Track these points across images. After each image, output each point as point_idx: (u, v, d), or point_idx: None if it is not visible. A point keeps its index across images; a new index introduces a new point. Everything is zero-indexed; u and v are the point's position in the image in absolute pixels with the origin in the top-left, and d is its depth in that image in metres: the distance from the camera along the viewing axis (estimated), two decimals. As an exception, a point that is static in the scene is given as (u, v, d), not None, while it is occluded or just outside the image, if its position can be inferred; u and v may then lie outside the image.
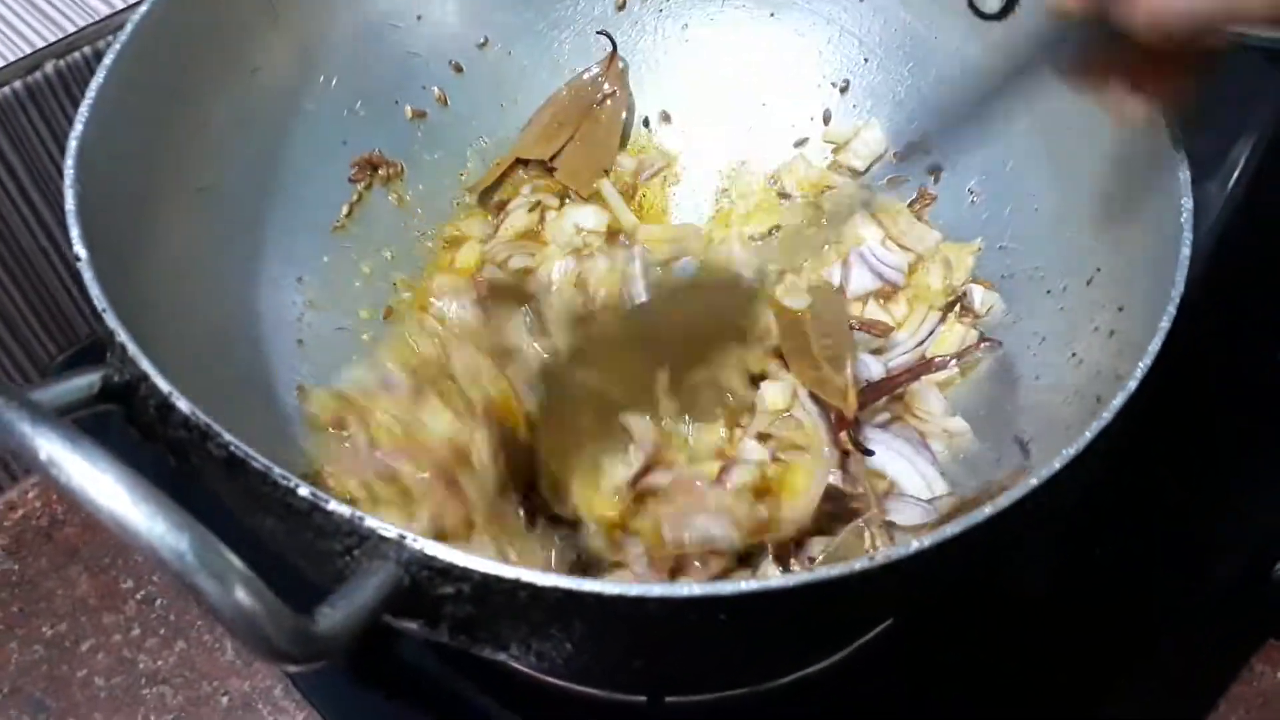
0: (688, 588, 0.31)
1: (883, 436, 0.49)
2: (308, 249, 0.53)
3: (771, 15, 0.59)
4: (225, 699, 0.52)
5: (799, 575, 0.31)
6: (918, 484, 0.48)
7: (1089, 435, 0.35)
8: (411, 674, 0.50)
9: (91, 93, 0.42)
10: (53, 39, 0.54)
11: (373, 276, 0.55)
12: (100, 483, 0.27)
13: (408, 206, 0.57)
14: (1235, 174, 0.64)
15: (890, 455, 0.48)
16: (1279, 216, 0.63)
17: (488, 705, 0.49)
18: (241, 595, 0.27)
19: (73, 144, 0.41)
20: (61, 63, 0.54)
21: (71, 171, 0.40)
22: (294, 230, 0.52)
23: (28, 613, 0.55)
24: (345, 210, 0.55)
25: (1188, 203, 0.40)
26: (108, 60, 0.43)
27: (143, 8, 0.45)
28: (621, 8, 0.59)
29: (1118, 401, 0.36)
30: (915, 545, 0.32)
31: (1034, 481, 0.34)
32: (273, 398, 0.48)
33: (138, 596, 0.56)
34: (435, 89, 0.58)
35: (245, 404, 0.46)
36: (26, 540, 0.58)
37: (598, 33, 0.57)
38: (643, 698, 0.48)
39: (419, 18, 0.56)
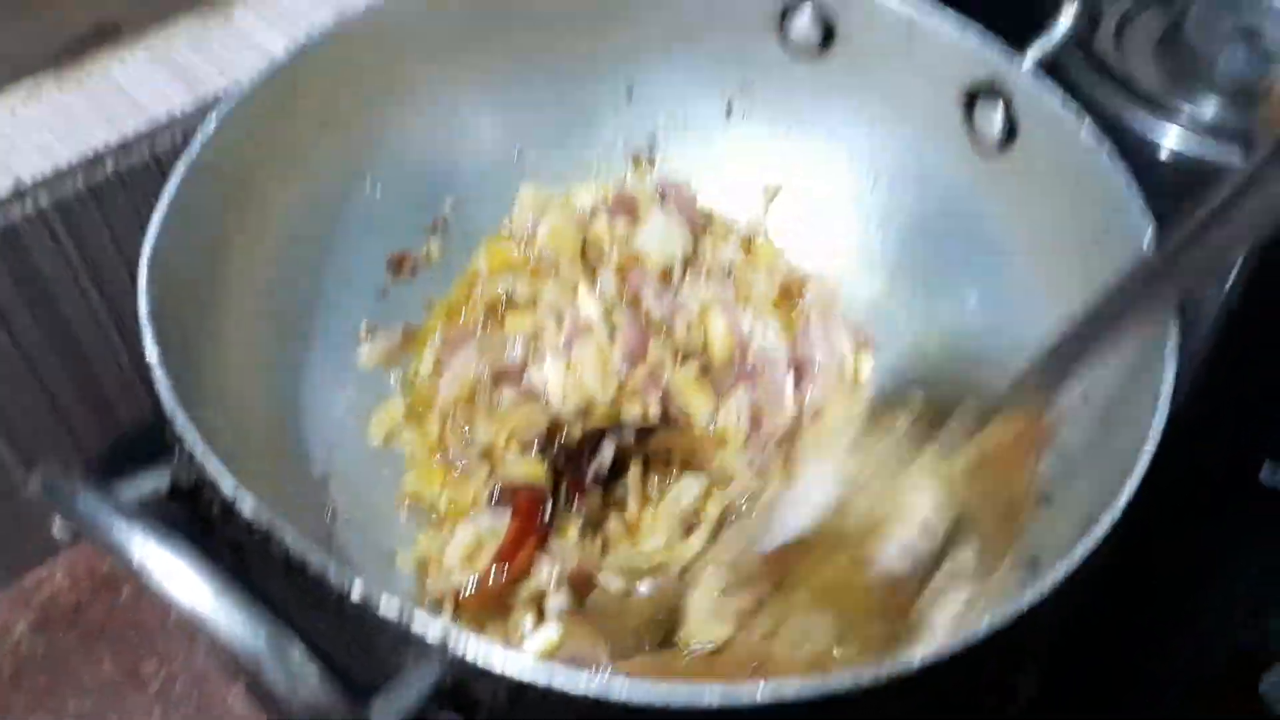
0: (711, 692, 0.34)
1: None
2: (349, 349, 0.56)
3: (785, 136, 0.62)
4: (246, 778, 0.54)
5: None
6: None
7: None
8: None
9: (163, 204, 0.46)
10: (113, 142, 0.57)
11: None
12: (186, 580, 0.30)
13: (434, 306, 0.60)
14: (1228, 284, 0.67)
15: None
16: (1269, 328, 0.65)
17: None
18: (308, 690, 0.30)
19: (146, 250, 0.44)
20: (122, 164, 0.57)
21: (145, 277, 0.43)
22: (338, 329, 0.56)
23: (54, 690, 0.57)
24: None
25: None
26: (178, 171, 0.47)
27: (210, 124, 0.49)
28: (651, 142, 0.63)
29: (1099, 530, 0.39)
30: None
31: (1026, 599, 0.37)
32: (312, 492, 0.51)
33: (160, 676, 0.58)
34: (470, 196, 0.61)
35: (291, 497, 0.48)
36: (54, 619, 0.60)
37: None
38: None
39: (460, 130, 0.60)
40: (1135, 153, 0.47)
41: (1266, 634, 0.57)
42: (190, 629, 0.58)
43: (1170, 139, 0.76)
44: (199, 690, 0.57)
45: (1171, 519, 0.57)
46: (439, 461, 0.55)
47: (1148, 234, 0.46)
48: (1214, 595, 0.58)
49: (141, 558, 0.30)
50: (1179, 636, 0.57)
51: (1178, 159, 0.76)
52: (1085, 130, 0.51)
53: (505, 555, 0.48)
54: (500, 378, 0.57)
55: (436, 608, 0.49)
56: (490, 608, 0.49)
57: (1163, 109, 0.77)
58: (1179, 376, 0.43)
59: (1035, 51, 0.54)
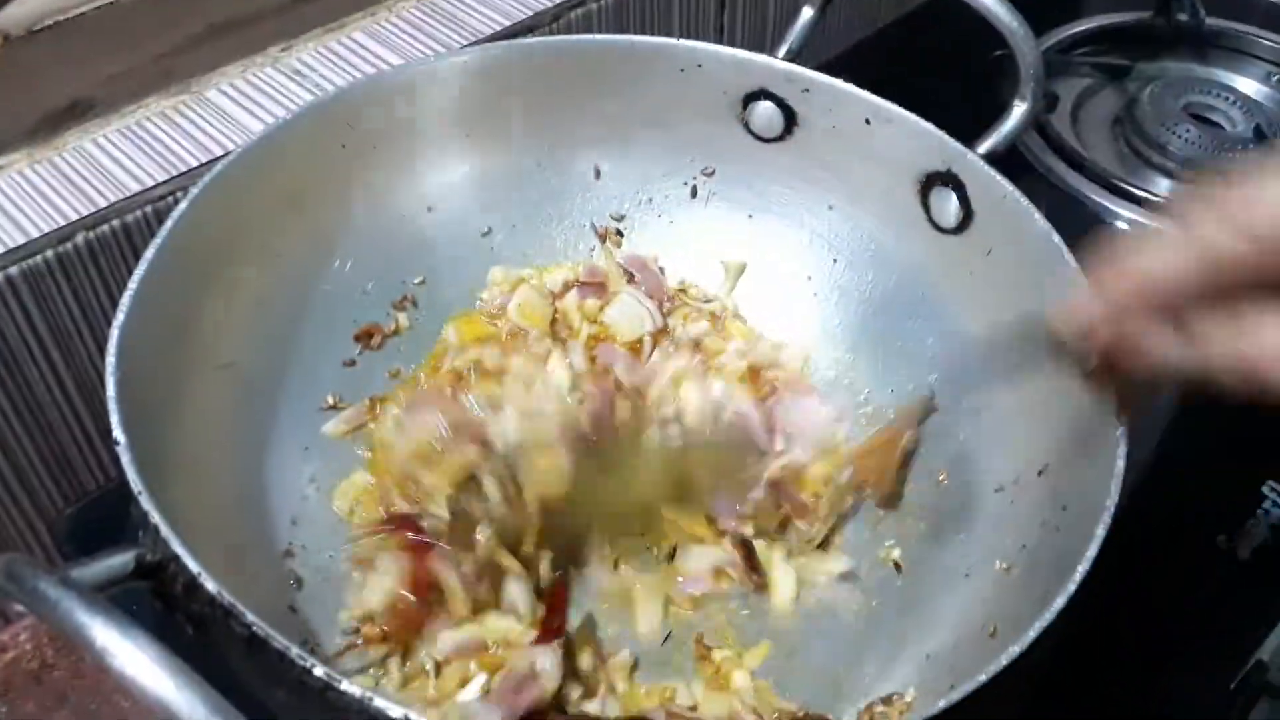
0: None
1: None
2: (314, 420, 0.57)
3: (749, 217, 0.64)
4: None
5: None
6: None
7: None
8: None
9: (132, 284, 0.46)
10: (85, 212, 0.58)
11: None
12: (148, 670, 0.30)
13: (402, 377, 0.61)
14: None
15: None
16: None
17: None
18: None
19: (115, 333, 0.45)
20: (92, 234, 0.58)
21: (113, 359, 0.44)
22: (304, 400, 0.56)
23: (13, 755, 0.57)
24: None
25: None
26: (148, 254, 0.48)
27: (182, 205, 0.50)
28: (619, 221, 0.64)
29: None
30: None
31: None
32: (275, 563, 0.51)
33: (122, 743, 0.57)
34: (440, 273, 0.62)
35: (254, 570, 0.49)
36: (16, 683, 0.59)
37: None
38: None
39: (429, 209, 0.61)
40: (1091, 229, 0.49)
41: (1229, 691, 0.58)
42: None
43: (1125, 216, 0.80)
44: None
45: (1129, 597, 0.59)
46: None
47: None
48: (1176, 662, 0.59)
49: (104, 645, 0.30)
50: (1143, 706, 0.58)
51: (1132, 233, 0.79)
52: (1035, 216, 0.53)
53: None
54: (459, 430, 0.57)
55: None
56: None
57: (1117, 188, 0.81)
58: (1131, 459, 0.44)
59: (987, 144, 0.56)
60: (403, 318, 0.61)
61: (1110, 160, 0.86)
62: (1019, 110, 0.56)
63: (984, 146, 0.56)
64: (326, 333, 0.58)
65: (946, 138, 0.56)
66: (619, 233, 0.64)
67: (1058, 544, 0.45)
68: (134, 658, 0.30)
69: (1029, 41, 0.55)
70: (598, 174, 0.64)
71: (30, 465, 0.61)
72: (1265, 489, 0.65)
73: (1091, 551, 0.41)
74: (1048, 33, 0.93)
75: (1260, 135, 0.86)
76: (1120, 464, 0.44)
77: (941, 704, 0.37)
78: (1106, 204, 0.80)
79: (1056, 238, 0.52)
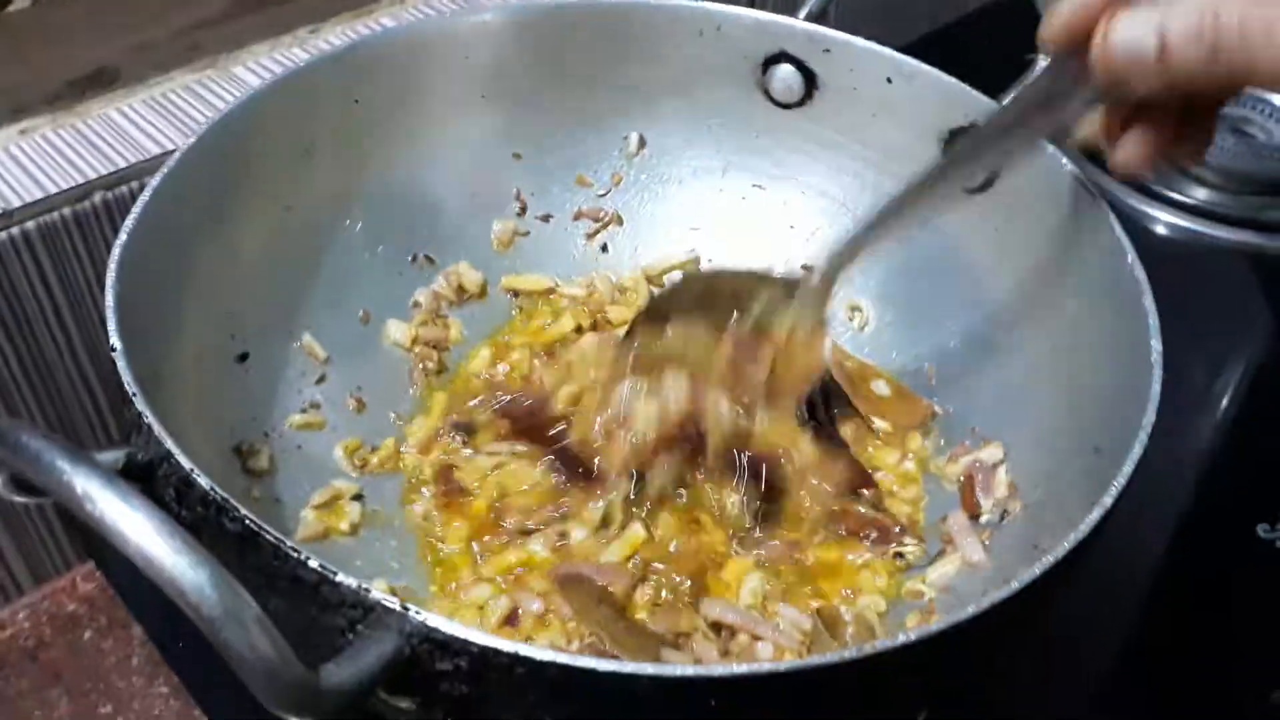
0: (681, 669, 0.32)
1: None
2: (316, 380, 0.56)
3: (763, 187, 0.63)
4: (198, 822, 0.51)
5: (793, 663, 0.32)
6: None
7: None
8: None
9: (136, 210, 0.46)
10: (104, 171, 0.58)
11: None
12: (131, 520, 0.29)
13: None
14: (1221, 408, 0.68)
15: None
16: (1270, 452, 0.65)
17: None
18: (257, 638, 0.29)
19: (116, 251, 0.44)
20: (110, 194, 0.58)
21: (113, 274, 0.43)
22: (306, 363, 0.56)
23: (4, 733, 0.55)
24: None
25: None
26: (153, 183, 0.48)
27: (190, 141, 0.50)
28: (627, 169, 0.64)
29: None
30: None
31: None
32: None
33: (116, 722, 0.56)
34: (453, 238, 0.62)
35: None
36: (11, 660, 0.59)
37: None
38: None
39: (444, 172, 0.61)
40: (1128, 232, 0.48)
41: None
42: (152, 672, 0.57)
43: (1163, 220, 0.80)
44: (153, 736, 0.55)
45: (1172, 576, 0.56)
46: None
47: (1127, 251, 0.47)
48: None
49: (103, 510, 0.29)
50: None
51: (1169, 238, 0.80)
52: (1061, 159, 0.52)
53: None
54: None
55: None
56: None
57: (1155, 194, 0.81)
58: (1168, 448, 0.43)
59: (1012, 95, 0.55)
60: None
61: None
62: (1042, 65, 0.55)
63: (1008, 98, 0.55)
64: (333, 292, 0.57)
65: (970, 90, 0.55)
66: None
67: (1095, 471, 0.43)
68: (134, 522, 0.29)
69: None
70: (626, 141, 0.63)
71: (35, 422, 0.60)
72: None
73: (1128, 469, 0.39)
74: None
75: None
76: (1157, 387, 0.42)
77: (971, 610, 0.35)
78: (1145, 209, 0.81)
79: (1085, 181, 0.51)
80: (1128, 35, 0.37)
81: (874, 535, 0.51)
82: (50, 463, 0.29)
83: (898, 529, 0.52)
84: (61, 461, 0.29)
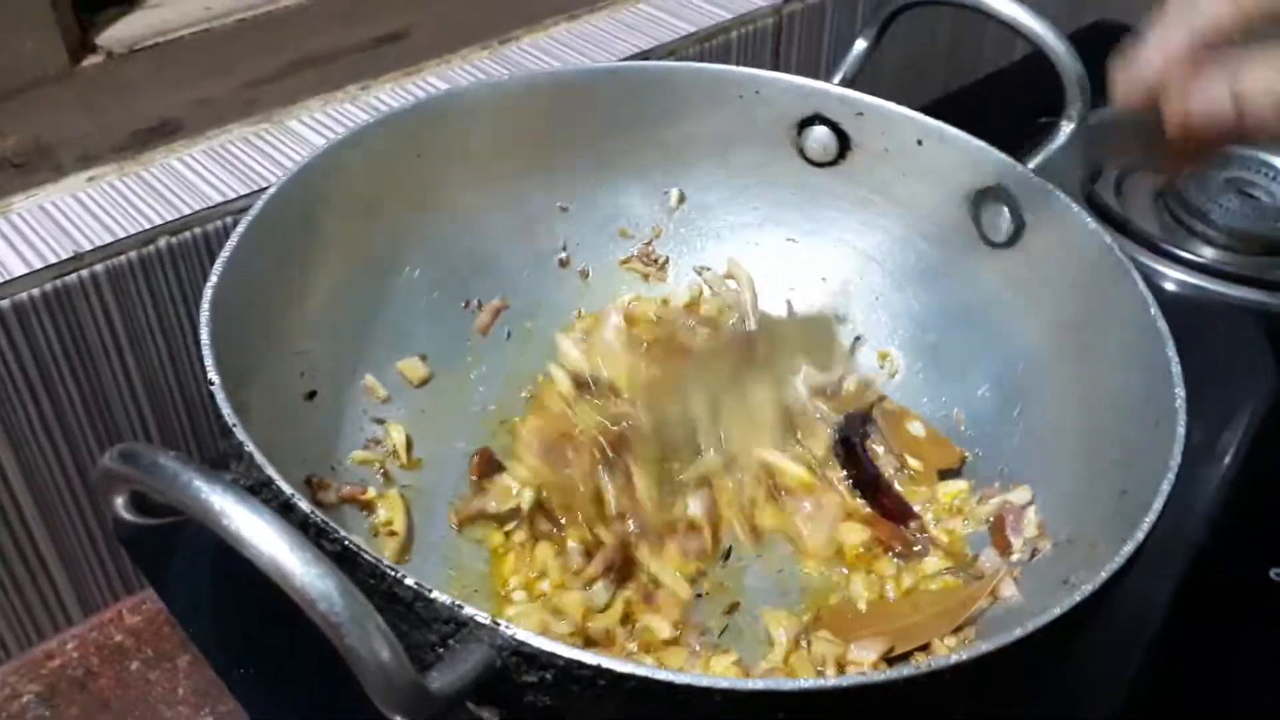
0: (753, 682, 0.35)
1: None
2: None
3: (796, 241, 0.67)
4: (252, 846, 0.53)
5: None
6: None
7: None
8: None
9: (225, 254, 0.49)
10: (169, 218, 0.61)
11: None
12: (264, 533, 0.31)
13: (470, 386, 0.63)
14: (1227, 458, 0.70)
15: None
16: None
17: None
18: (377, 643, 0.31)
19: (208, 292, 0.47)
20: (174, 239, 0.60)
21: (206, 313, 0.46)
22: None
23: (56, 760, 0.56)
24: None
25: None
26: (240, 229, 0.51)
27: (270, 190, 0.53)
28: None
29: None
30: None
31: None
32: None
33: (164, 750, 0.57)
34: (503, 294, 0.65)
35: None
36: (61, 690, 0.60)
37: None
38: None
39: (497, 225, 0.64)
40: None
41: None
42: (198, 702, 0.58)
43: (1172, 277, 0.83)
44: (201, 764, 0.56)
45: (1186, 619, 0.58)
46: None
47: (1150, 305, 0.50)
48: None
49: (239, 525, 0.31)
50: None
51: (1179, 294, 0.83)
52: (1086, 217, 0.55)
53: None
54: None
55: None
56: None
57: (1162, 250, 0.84)
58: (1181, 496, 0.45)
59: (1035, 161, 0.59)
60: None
61: (1154, 227, 0.89)
62: (1065, 130, 0.59)
63: (1032, 164, 0.58)
64: (393, 335, 0.60)
65: (997, 152, 0.58)
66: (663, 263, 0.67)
67: (1122, 513, 0.45)
68: (249, 523, 0.31)
69: (1072, 60, 0.58)
70: (667, 196, 0.67)
71: (93, 464, 0.62)
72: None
73: (1158, 505, 0.42)
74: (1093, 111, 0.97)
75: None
76: (1181, 430, 0.44)
77: (1018, 632, 0.37)
78: (1153, 265, 0.84)
79: (1109, 239, 0.54)
80: (1208, 99, 0.40)
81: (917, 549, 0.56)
82: (188, 481, 0.32)
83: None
84: (198, 480, 0.32)
